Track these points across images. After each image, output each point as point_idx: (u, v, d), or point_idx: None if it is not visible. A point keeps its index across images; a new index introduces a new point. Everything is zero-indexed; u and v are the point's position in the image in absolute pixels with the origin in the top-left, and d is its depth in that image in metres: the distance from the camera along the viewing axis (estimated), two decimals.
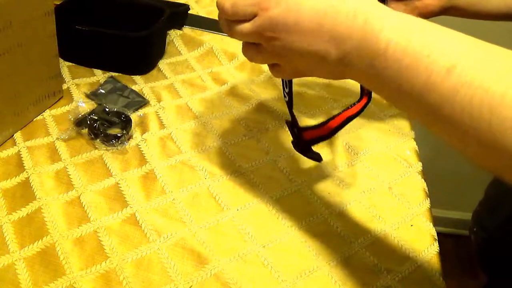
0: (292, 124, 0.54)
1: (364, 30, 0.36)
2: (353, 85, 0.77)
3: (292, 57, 0.41)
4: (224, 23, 0.43)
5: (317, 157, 0.56)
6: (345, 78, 0.41)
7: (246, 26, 0.41)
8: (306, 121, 0.68)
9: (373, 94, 0.57)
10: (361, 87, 0.56)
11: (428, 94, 0.33)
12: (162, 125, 0.65)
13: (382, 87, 0.37)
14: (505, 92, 0.30)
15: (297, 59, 0.41)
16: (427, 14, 0.60)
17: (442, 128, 0.34)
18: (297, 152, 0.63)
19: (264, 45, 0.42)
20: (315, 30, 0.38)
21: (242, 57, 0.78)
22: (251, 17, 0.40)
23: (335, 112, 0.71)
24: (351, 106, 0.57)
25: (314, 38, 0.38)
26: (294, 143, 0.56)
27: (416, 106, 0.35)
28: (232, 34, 0.43)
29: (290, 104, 0.53)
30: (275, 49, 0.41)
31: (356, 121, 0.69)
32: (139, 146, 0.61)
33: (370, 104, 0.73)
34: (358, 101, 0.56)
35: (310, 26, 0.38)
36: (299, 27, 0.38)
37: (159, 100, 0.69)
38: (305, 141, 0.55)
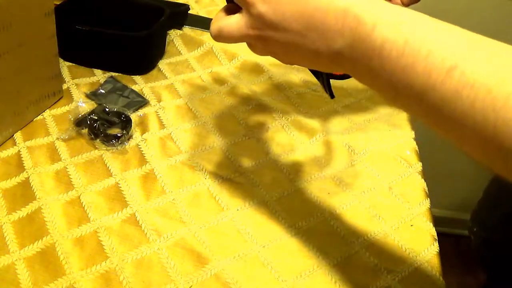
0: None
1: (356, 28, 0.34)
2: (354, 85, 0.77)
3: (282, 52, 0.40)
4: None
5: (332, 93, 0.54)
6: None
7: (234, 21, 0.40)
8: (306, 121, 0.68)
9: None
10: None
11: (427, 95, 0.32)
12: (162, 125, 0.65)
13: (378, 87, 0.36)
14: (509, 93, 0.29)
15: (288, 54, 0.40)
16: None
17: (444, 129, 0.33)
18: (297, 152, 0.64)
19: (253, 42, 0.41)
20: (302, 30, 0.37)
21: (242, 57, 0.78)
22: (238, 7, 0.40)
23: (335, 112, 0.71)
24: None
25: (301, 38, 0.37)
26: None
27: (415, 107, 0.34)
28: (220, 34, 0.42)
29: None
30: (264, 45, 0.40)
31: (356, 121, 0.70)
32: (139, 146, 0.61)
33: (370, 104, 0.73)
34: None
35: (295, 26, 0.37)
36: (284, 27, 0.37)
37: (159, 100, 0.69)
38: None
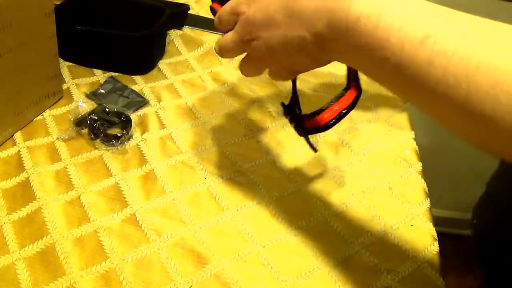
0: (293, 109, 0.54)
1: (331, 7, 0.35)
2: None
3: (275, 55, 0.41)
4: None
5: (313, 147, 0.56)
6: (331, 62, 0.40)
7: (228, 35, 0.43)
8: None
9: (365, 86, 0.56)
10: (348, 77, 0.54)
11: (403, 68, 0.32)
12: (162, 125, 0.65)
13: (360, 63, 0.37)
14: (480, 60, 0.29)
15: (280, 56, 0.41)
16: None
17: (421, 100, 0.34)
18: (297, 152, 0.63)
19: (248, 51, 0.43)
20: (285, 20, 0.38)
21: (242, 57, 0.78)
22: (233, 26, 0.43)
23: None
24: (340, 97, 0.56)
25: (286, 28, 0.38)
26: (296, 126, 0.55)
27: (392, 79, 0.34)
28: (221, 51, 0.45)
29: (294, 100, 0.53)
30: (258, 51, 0.42)
31: (356, 121, 0.70)
32: (139, 146, 0.61)
33: (370, 104, 0.73)
34: (345, 90, 0.54)
35: (279, 17, 0.38)
36: (270, 21, 0.39)
37: (159, 100, 0.69)
38: (306, 128, 0.54)
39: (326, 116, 0.53)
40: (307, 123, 0.53)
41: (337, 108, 0.53)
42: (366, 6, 0.34)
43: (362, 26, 0.33)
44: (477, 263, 0.70)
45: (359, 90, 0.54)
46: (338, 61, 0.40)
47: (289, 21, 0.38)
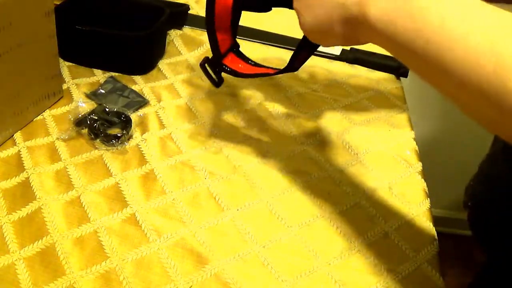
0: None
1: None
2: (354, 85, 0.77)
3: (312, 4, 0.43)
4: None
5: (216, 82, 0.55)
6: (359, 37, 0.42)
7: None
8: (306, 121, 0.68)
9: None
10: (292, 59, 0.55)
11: (438, 38, 0.34)
12: (162, 125, 0.65)
13: (393, 32, 0.38)
14: (507, 44, 0.31)
15: (317, 7, 0.43)
16: None
17: (444, 77, 0.35)
18: (297, 152, 0.64)
19: None
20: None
21: None
22: None
23: (335, 112, 0.71)
24: (267, 67, 0.57)
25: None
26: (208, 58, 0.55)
27: (422, 52, 0.36)
28: None
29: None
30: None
31: (356, 121, 0.70)
32: (139, 146, 0.61)
33: (370, 104, 0.73)
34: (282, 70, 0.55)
35: None
36: None
37: (159, 100, 0.69)
38: (220, 53, 0.54)
39: (240, 66, 0.55)
40: (223, 59, 0.54)
41: (252, 70, 0.56)
42: None
43: None
44: (475, 245, 0.69)
45: (283, 71, 0.55)
46: (367, 38, 0.41)
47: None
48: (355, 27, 0.41)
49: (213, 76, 0.55)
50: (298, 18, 0.46)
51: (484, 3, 0.35)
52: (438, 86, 0.37)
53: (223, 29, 0.53)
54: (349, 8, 0.40)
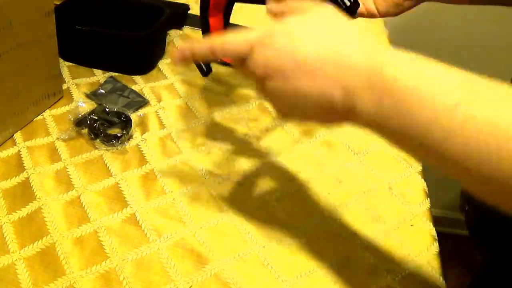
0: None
1: (371, 67, 0.35)
2: None
3: (288, 100, 0.38)
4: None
5: (205, 71, 0.53)
6: (346, 122, 0.38)
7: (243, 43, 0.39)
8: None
9: None
10: None
11: (433, 131, 0.32)
12: (162, 125, 0.65)
13: (386, 127, 0.36)
14: (510, 125, 0.30)
15: (295, 103, 0.38)
16: (406, 4, 0.59)
17: (446, 165, 0.34)
18: (297, 152, 0.63)
19: (259, 84, 0.40)
20: (318, 70, 0.36)
21: None
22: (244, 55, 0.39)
23: None
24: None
25: (317, 79, 0.36)
26: None
27: (420, 144, 0.34)
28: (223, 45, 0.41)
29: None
30: (272, 90, 0.38)
31: None
32: (139, 146, 0.61)
33: None
34: None
35: (311, 67, 0.36)
36: (300, 68, 0.36)
37: (159, 100, 0.69)
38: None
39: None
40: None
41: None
42: (401, 72, 0.34)
43: (397, 90, 0.33)
44: (474, 248, 0.69)
45: None
46: (357, 124, 0.38)
47: (322, 72, 0.36)
48: (340, 118, 0.38)
49: (202, 65, 0.53)
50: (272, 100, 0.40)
51: (480, 78, 0.33)
52: (441, 170, 0.35)
53: (216, 16, 0.53)
54: (336, 103, 0.36)
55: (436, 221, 0.57)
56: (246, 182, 0.59)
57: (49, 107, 0.65)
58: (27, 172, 0.56)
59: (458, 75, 0.34)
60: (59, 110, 0.65)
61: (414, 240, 0.54)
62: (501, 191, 0.31)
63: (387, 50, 0.36)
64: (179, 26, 0.84)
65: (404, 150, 0.38)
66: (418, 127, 0.33)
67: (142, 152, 0.61)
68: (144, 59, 0.74)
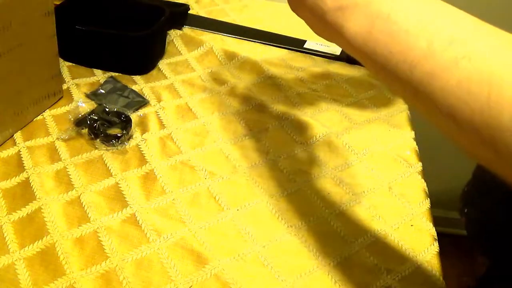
0: None
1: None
2: (354, 85, 0.77)
3: None
4: None
5: None
6: (336, 30, 0.36)
7: None
8: (306, 121, 0.68)
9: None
10: None
11: (425, 62, 0.31)
12: (162, 125, 0.65)
13: (372, 51, 0.34)
14: (504, 72, 0.29)
15: None
16: None
17: (431, 107, 0.32)
18: (297, 152, 0.63)
19: None
20: None
21: (242, 57, 0.78)
22: None
23: (335, 112, 0.71)
24: None
25: None
26: None
27: (406, 77, 0.32)
28: None
29: None
30: None
31: (356, 121, 0.70)
32: (139, 146, 0.61)
33: (370, 104, 0.73)
34: None
35: None
36: None
37: (159, 100, 0.69)
38: None
39: None
40: None
41: None
42: (399, 4, 0.33)
43: (393, 17, 0.33)
44: (475, 250, 0.69)
45: None
46: (338, 40, 0.37)
47: None
48: (332, 35, 0.37)
49: None
50: None
51: (480, 21, 0.32)
52: (426, 114, 0.33)
53: None
54: (326, 13, 0.35)
55: (436, 221, 0.57)
56: (246, 182, 0.59)
57: (49, 107, 0.65)
58: (27, 172, 0.56)
59: (459, 14, 0.33)
60: (59, 110, 0.65)
61: (414, 240, 0.54)
62: (490, 137, 0.29)
63: None
64: (179, 26, 0.84)
65: (388, 83, 0.36)
66: (407, 55, 0.32)
67: (142, 152, 0.61)
68: (144, 59, 0.74)
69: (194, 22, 0.86)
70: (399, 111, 0.73)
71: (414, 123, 0.72)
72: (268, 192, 0.58)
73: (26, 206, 0.53)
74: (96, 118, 0.62)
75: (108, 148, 0.60)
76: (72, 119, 0.62)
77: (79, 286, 0.46)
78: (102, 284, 0.47)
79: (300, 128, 0.67)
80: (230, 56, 0.79)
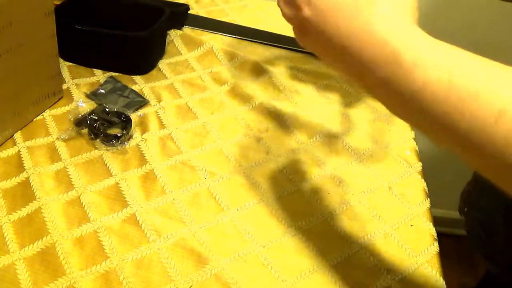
0: None
1: (393, 63, 0.32)
2: (352, 85, 0.77)
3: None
4: None
5: None
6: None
7: None
8: (306, 121, 0.68)
9: None
10: None
11: (474, 136, 0.30)
12: (162, 125, 0.65)
13: (408, 117, 0.35)
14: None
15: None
16: None
17: (473, 155, 0.32)
18: (297, 152, 0.63)
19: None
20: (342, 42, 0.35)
21: (242, 57, 0.78)
22: None
23: (335, 112, 0.71)
24: None
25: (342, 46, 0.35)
26: None
27: (457, 144, 0.33)
28: None
29: None
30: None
31: (356, 121, 0.70)
32: (139, 146, 0.61)
33: (370, 104, 0.73)
34: None
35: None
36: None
37: (159, 100, 0.69)
38: None
39: None
40: None
41: None
42: (433, 71, 0.31)
43: (430, 90, 0.31)
44: (475, 250, 0.69)
45: None
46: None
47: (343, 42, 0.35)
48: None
49: None
50: None
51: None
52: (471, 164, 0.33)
53: None
54: None
55: (436, 221, 0.57)
56: (246, 182, 0.59)
57: (49, 107, 0.65)
58: (27, 172, 0.56)
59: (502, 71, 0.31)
60: (59, 110, 0.65)
61: (414, 240, 0.54)
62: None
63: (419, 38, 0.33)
64: (179, 26, 0.84)
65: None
66: (459, 126, 0.31)
67: (142, 152, 0.61)
68: (144, 59, 0.74)
69: (194, 22, 0.86)
70: None
71: None
72: (268, 192, 0.58)
73: (26, 206, 0.53)
74: (96, 118, 0.62)
75: (108, 148, 0.60)
76: (72, 119, 0.62)
77: (79, 286, 0.46)
78: (102, 284, 0.47)
79: (300, 128, 0.67)
80: (230, 56, 0.79)
